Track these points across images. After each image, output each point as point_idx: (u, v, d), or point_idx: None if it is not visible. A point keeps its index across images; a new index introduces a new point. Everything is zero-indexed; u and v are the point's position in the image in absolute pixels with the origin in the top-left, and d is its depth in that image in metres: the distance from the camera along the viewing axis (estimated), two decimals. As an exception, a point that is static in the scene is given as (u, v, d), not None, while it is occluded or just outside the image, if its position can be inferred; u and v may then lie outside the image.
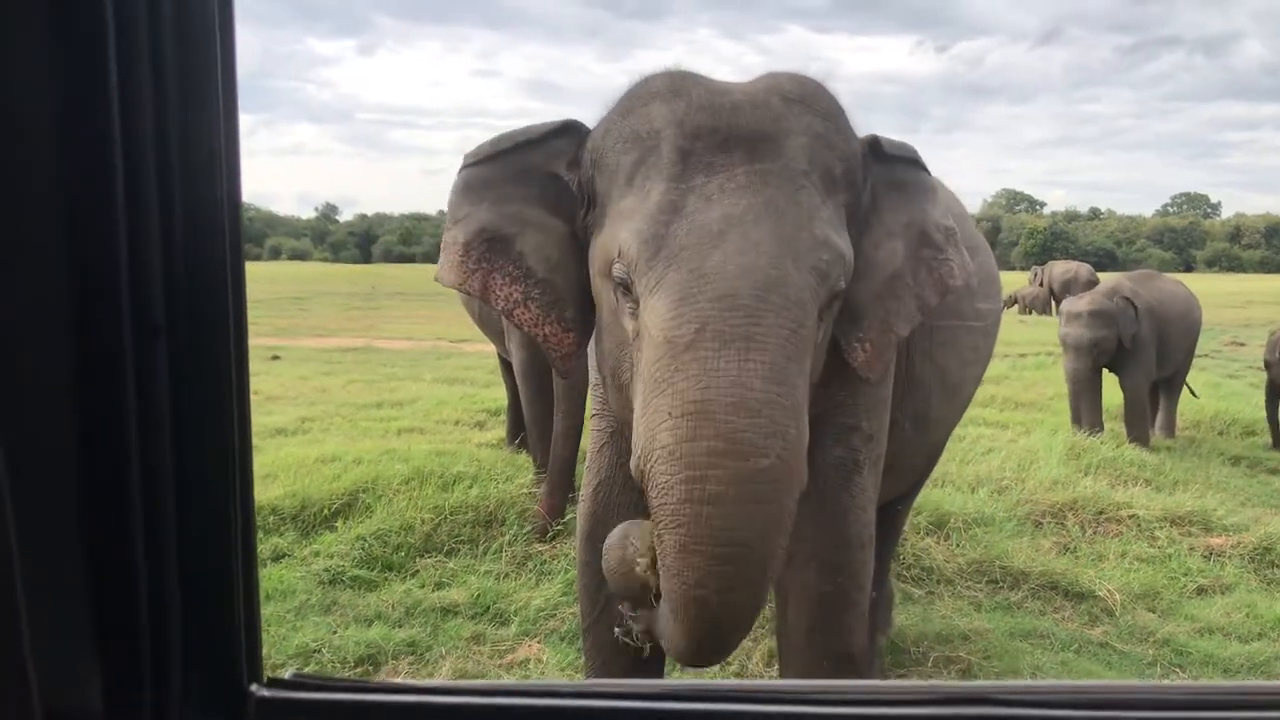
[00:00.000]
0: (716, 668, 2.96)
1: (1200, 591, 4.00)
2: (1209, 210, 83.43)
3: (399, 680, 0.84)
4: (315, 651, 3.20)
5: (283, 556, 3.96)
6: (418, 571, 3.90)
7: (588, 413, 2.50)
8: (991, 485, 5.09)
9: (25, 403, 0.51)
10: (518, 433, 5.62)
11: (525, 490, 4.56)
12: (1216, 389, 8.61)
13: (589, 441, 2.28)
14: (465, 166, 1.99)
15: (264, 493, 4.45)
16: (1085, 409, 6.89)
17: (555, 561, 3.99)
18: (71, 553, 0.52)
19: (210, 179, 0.54)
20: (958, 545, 4.23)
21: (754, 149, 1.72)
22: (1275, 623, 3.67)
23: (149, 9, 0.52)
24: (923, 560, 4.09)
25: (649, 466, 1.60)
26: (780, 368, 1.58)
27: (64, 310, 0.51)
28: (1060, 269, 20.17)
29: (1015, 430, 6.92)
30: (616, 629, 1.88)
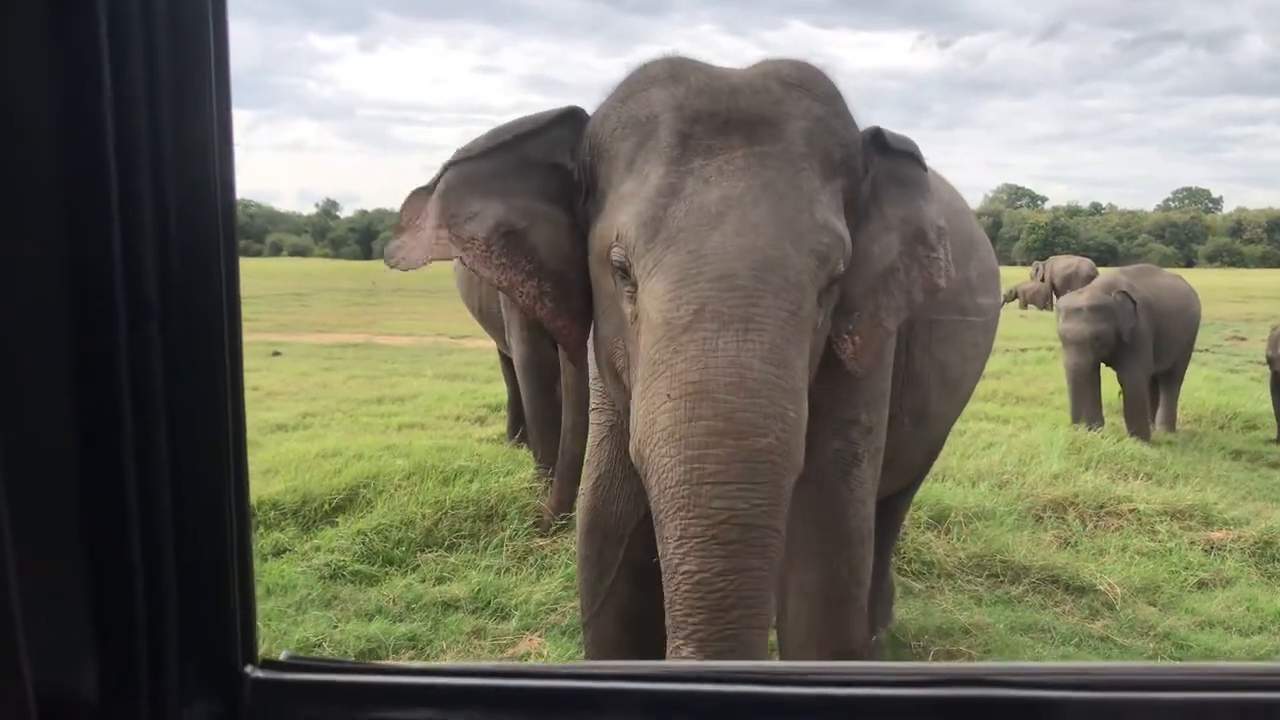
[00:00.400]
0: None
1: (1201, 585, 4.00)
2: (1210, 205, 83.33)
3: (393, 662, 0.84)
4: (316, 646, 3.21)
5: (284, 551, 3.96)
6: (418, 566, 3.90)
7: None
8: (992, 479, 5.09)
9: (21, 396, 0.51)
10: (518, 428, 5.62)
11: (526, 485, 4.57)
12: (1218, 383, 8.61)
13: (590, 435, 2.28)
14: (463, 161, 1.95)
15: (265, 488, 4.45)
16: (1085, 404, 6.89)
17: (556, 556, 3.99)
18: (66, 541, 0.53)
19: (204, 170, 0.54)
20: (958, 539, 4.23)
21: (753, 132, 1.72)
22: (1276, 616, 3.67)
23: (142, 2, 0.52)
24: (923, 554, 4.09)
25: (648, 450, 1.59)
26: (779, 349, 1.57)
27: (59, 304, 0.51)
28: (1061, 264, 20.16)
29: (1016, 425, 6.92)
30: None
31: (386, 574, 3.83)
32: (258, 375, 9.57)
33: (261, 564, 3.82)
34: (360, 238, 64.54)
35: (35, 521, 0.52)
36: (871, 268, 1.93)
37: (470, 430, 6.55)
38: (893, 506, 3.21)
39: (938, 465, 4.23)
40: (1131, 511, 4.68)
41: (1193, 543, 4.40)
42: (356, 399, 8.05)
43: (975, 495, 4.72)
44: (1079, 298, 7.04)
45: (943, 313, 2.50)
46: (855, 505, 2.13)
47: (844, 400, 2.10)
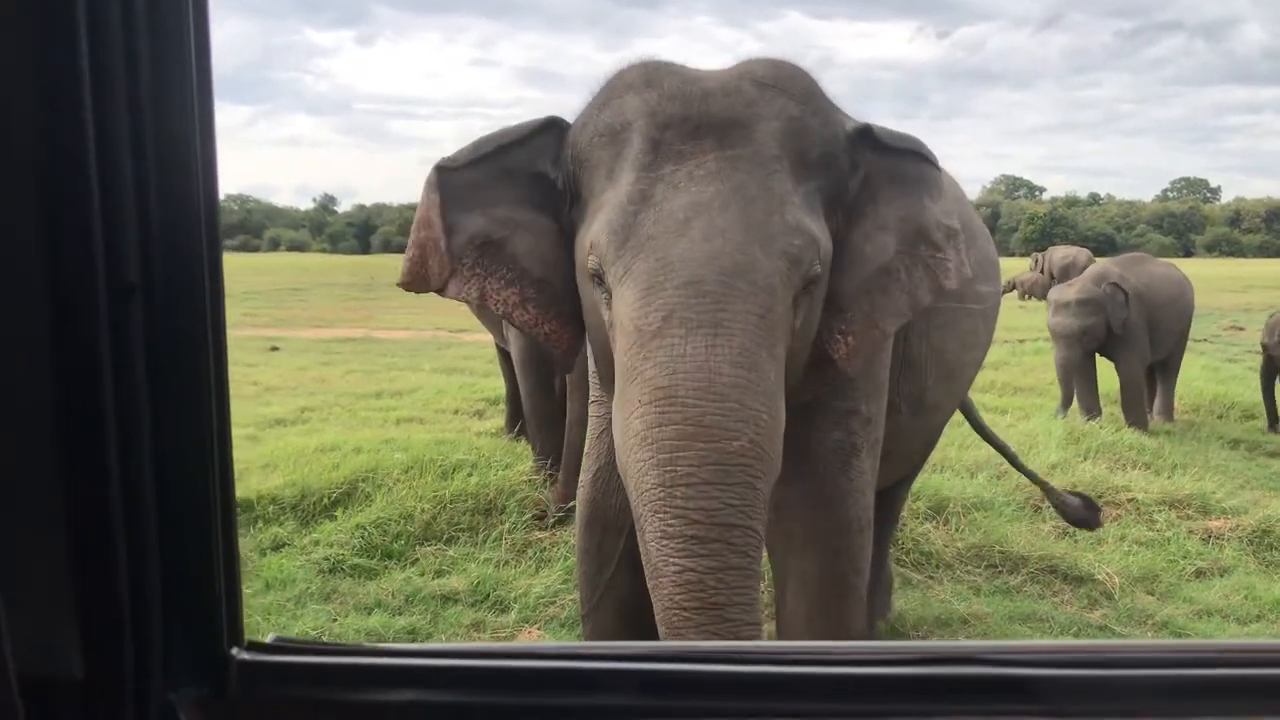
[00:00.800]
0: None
1: (1199, 574, 4.01)
2: (1209, 195, 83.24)
3: (381, 645, 0.84)
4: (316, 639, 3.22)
5: (283, 545, 3.97)
6: (417, 559, 3.91)
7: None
8: (991, 470, 5.09)
9: (0, 375, 0.50)
10: (516, 421, 5.63)
11: (524, 478, 4.57)
12: (1216, 373, 8.61)
13: (589, 428, 2.29)
14: (445, 172, 1.95)
15: (264, 482, 4.46)
16: (1081, 395, 6.90)
17: (555, 549, 4.00)
18: (48, 523, 0.52)
19: (184, 146, 0.54)
20: (957, 530, 4.24)
21: (724, 136, 1.71)
22: (1273, 604, 3.68)
23: None
24: (922, 545, 4.10)
25: (625, 454, 1.62)
26: (750, 352, 1.58)
27: (39, 283, 0.51)
28: (1060, 254, 20.11)
29: (1014, 415, 6.93)
30: None
31: (385, 567, 3.83)
32: (256, 370, 9.57)
33: (260, 558, 3.83)
34: (358, 232, 64.41)
35: (16, 502, 0.51)
36: (863, 267, 1.91)
37: (469, 424, 6.55)
38: (890, 497, 3.21)
39: (936, 456, 4.24)
40: (1130, 501, 4.69)
41: (1191, 532, 4.40)
42: (355, 393, 8.06)
43: (974, 486, 4.73)
44: (1068, 291, 7.04)
45: (941, 300, 2.50)
46: (855, 495, 2.13)
47: (844, 391, 2.10)
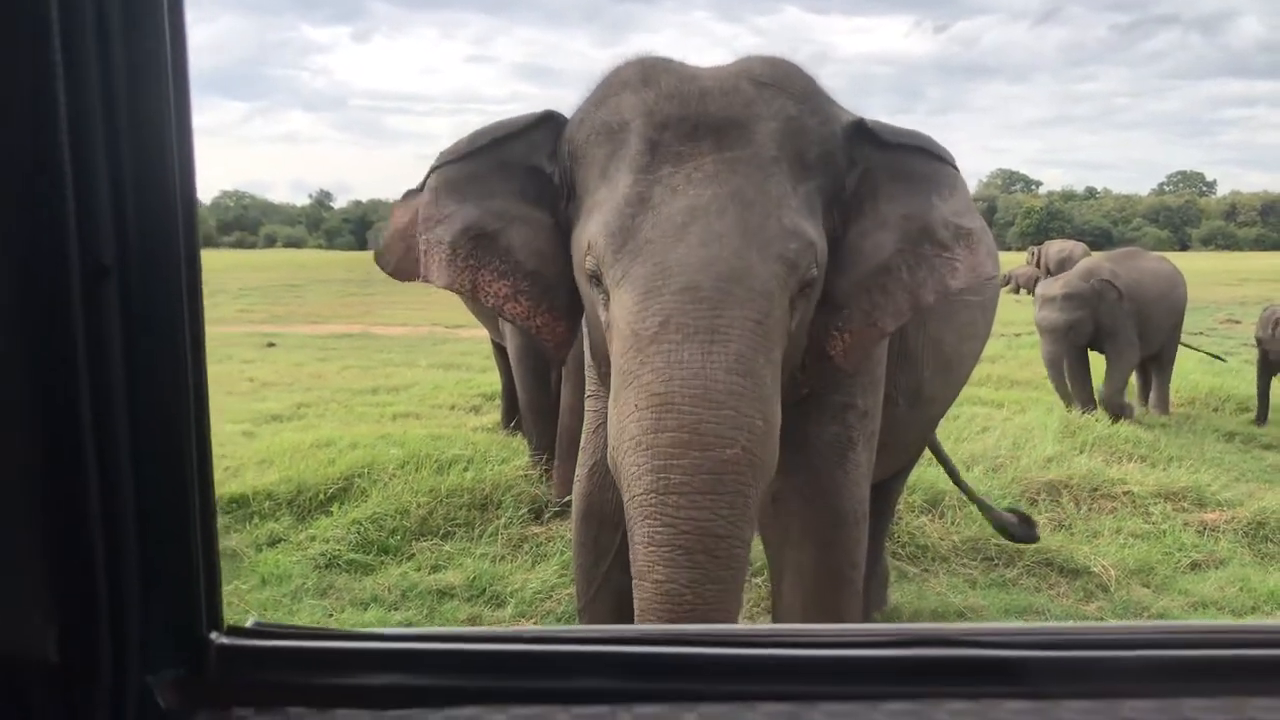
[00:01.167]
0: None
1: (1194, 566, 4.01)
2: (1205, 188, 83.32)
3: (363, 629, 0.83)
4: (312, 635, 3.21)
5: (279, 541, 3.96)
6: (414, 555, 3.90)
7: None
8: (986, 463, 5.10)
9: None
10: (512, 416, 5.62)
11: (521, 473, 4.57)
12: (1211, 366, 8.61)
13: (585, 422, 2.28)
14: (443, 164, 1.97)
15: (260, 478, 4.46)
16: (1075, 389, 6.90)
17: (551, 543, 4.00)
18: (22, 504, 0.52)
19: (159, 112, 0.53)
20: (952, 523, 4.24)
21: (722, 137, 1.71)
22: (1268, 596, 3.69)
23: None
24: (917, 538, 4.10)
25: (619, 457, 1.62)
26: (746, 359, 1.58)
27: (9, 267, 0.50)
28: (1056, 248, 20.15)
29: (1010, 408, 6.93)
30: None
31: (382, 563, 3.83)
32: (252, 366, 9.56)
33: (256, 554, 3.83)
34: (354, 229, 64.37)
35: None
36: (861, 265, 1.90)
37: (465, 419, 6.55)
38: (886, 490, 3.21)
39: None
40: (1125, 494, 4.69)
41: (1186, 524, 4.41)
42: (351, 389, 8.05)
43: (970, 478, 4.72)
44: (1055, 285, 7.05)
45: (946, 300, 2.49)
46: (851, 488, 2.14)
47: (841, 385, 2.10)
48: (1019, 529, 3.66)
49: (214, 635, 0.58)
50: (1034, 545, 4.04)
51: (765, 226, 1.65)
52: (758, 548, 2.29)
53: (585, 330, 1.99)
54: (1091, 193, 77.92)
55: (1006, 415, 6.57)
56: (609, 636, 0.60)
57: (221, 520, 4.05)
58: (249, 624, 0.60)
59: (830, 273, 1.85)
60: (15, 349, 0.50)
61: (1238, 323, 14.38)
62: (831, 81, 1.94)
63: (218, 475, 4.44)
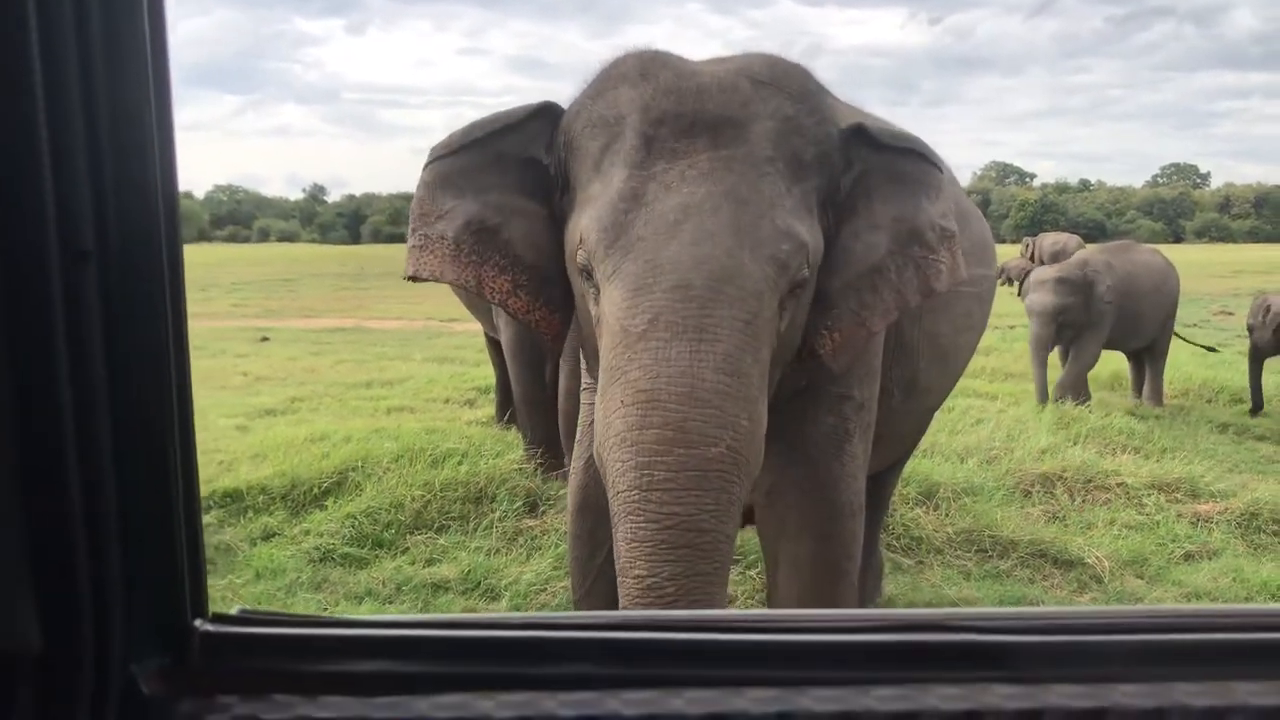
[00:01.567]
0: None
1: (1188, 557, 4.02)
2: (1198, 180, 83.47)
3: (348, 616, 0.83)
4: (306, 628, 3.21)
5: (273, 535, 3.95)
6: (408, 548, 3.90)
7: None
8: (981, 455, 5.11)
9: None
10: (507, 409, 5.62)
11: (515, 466, 4.56)
12: (1205, 358, 8.64)
13: (581, 414, 2.28)
14: (437, 158, 1.95)
15: (254, 472, 4.45)
16: (1040, 371, 6.92)
17: (545, 537, 3.99)
18: (4, 488, 0.51)
19: (139, 96, 0.53)
20: (947, 515, 4.25)
21: (718, 135, 1.70)
22: (1261, 587, 3.70)
23: None
24: (912, 530, 4.11)
25: (605, 453, 1.62)
26: (733, 358, 1.58)
27: None
28: (1050, 240, 20.16)
29: (1004, 400, 6.95)
30: None
31: (376, 556, 3.83)
32: (246, 361, 9.54)
33: (251, 548, 3.82)
34: (348, 222, 64.30)
35: None
36: (853, 265, 1.90)
37: (459, 413, 6.54)
38: (881, 482, 3.22)
39: (926, 441, 4.24)
40: (1119, 485, 4.71)
41: (1180, 515, 4.42)
42: (345, 383, 8.04)
43: (964, 471, 4.74)
44: (1048, 271, 7.10)
45: (930, 300, 2.49)
46: (847, 480, 2.14)
47: (836, 377, 2.09)
48: None
49: (198, 623, 0.58)
50: (1028, 537, 4.05)
51: (758, 226, 1.65)
52: (752, 539, 2.29)
53: (578, 324, 1.99)
54: (1085, 185, 78.03)
55: (1001, 407, 6.58)
56: (596, 623, 0.60)
57: (215, 515, 4.04)
58: (234, 611, 0.59)
59: (822, 272, 1.85)
60: None
61: (1231, 314, 14.42)
62: (826, 74, 1.95)
63: (211, 470, 4.44)
